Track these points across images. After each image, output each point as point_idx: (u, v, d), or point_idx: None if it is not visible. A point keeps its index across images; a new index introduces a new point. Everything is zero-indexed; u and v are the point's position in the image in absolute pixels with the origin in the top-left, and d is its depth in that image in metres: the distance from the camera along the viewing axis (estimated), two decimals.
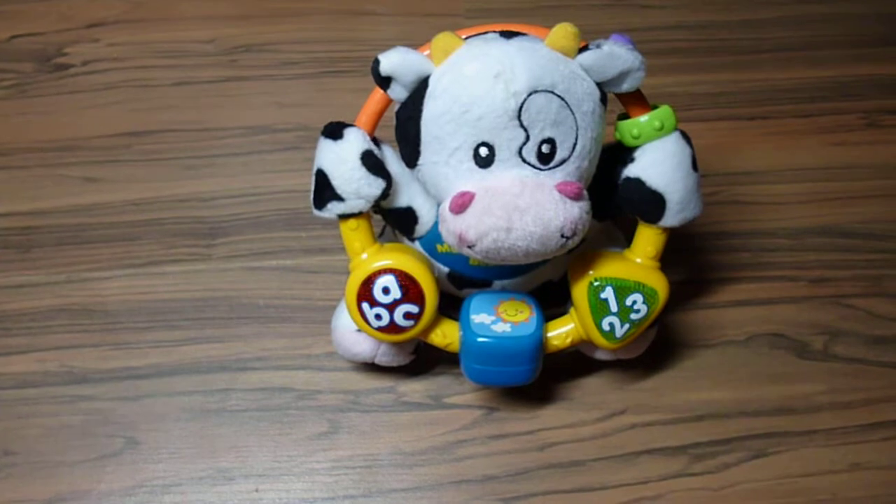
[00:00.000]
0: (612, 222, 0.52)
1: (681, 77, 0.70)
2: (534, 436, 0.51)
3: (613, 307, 0.45)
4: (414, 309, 0.45)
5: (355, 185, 0.43)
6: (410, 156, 0.42)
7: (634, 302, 0.45)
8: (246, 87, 0.69)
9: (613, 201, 0.45)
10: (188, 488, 0.49)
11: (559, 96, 0.39)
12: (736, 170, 0.64)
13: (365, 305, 0.45)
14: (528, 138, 0.39)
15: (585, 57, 0.40)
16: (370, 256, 0.45)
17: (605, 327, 0.45)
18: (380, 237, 0.49)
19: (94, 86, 0.69)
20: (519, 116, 0.39)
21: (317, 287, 0.57)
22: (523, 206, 0.39)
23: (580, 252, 0.46)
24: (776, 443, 0.51)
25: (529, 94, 0.39)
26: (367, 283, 0.44)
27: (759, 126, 0.67)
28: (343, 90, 0.69)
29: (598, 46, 0.40)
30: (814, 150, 0.66)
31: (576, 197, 0.40)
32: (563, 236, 0.39)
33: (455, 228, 0.40)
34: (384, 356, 0.50)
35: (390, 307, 0.45)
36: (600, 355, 0.50)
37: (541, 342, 0.45)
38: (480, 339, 0.45)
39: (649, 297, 0.45)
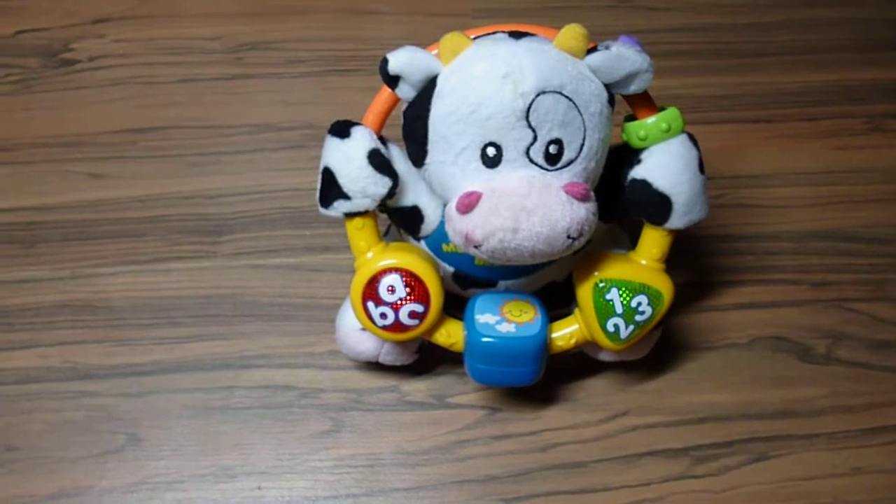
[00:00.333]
0: (618, 224, 0.52)
1: (685, 79, 0.70)
2: (536, 436, 0.51)
3: (618, 308, 0.45)
4: (419, 308, 0.45)
5: (362, 184, 0.43)
6: (417, 155, 0.42)
7: (639, 303, 0.45)
8: (252, 85, 0.69)
9: (620, 203, 0.45)
10: (190, 485, 0.49)
11: (567, 97, 0.39)
12: (740, 173, 0.64)
13: (370, 304, 0.45)
14: (535, 139, 0.39)
15: (594, 58, 0.40)
16: (375, 255, 0.45)
17: (610, 328, 0.45)
18: (385, 236, 0.49)
19: (100, 82, 0.69)
20: (527, 117, 0.39)
21: (320, 285, 0.57)
22: (530, 207, 0.39)
23: (585, 253, 0.46)
24: (778, 446, 0.51)
25: (537, 95, 0.39)
26: (373, 282, 0.44)
27: (764, 129, 0.67)
28: (349, 89, 0.69)
29: (607, 48, 0.40)
30: (818, 153, 0.66)
31: (583, 198, 0.40)
32: (569, 237, 0.39)
33: (462, 228, 0.40)
34: (388, 355, 0.50)
35: (395, 306, 0.45)
36: (604, 356, 0.50)
37: (545, 343, 0.45)
38: (485, 339, 0.45)
39: (654, 298, 0.45)
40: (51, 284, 0.57)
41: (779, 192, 0.63)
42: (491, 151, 0.40)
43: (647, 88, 0.42)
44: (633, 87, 0.41)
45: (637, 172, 0.43)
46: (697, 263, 0.59)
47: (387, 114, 0.44)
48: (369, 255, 0.45)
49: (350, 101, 0.66)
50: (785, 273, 0.58)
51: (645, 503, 0.49)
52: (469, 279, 0.49)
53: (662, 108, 0.43)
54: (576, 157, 0.41)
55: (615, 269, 0.45)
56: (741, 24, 0.75)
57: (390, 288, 0.44)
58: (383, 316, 0.45)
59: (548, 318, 0.46)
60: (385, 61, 0.40)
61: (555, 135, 0.40)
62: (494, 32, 0.42)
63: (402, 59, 0.40)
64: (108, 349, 0.54)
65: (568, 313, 0.48)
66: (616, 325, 0.45)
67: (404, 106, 0.42)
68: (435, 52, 0.41)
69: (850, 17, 0.75)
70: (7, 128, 0.66)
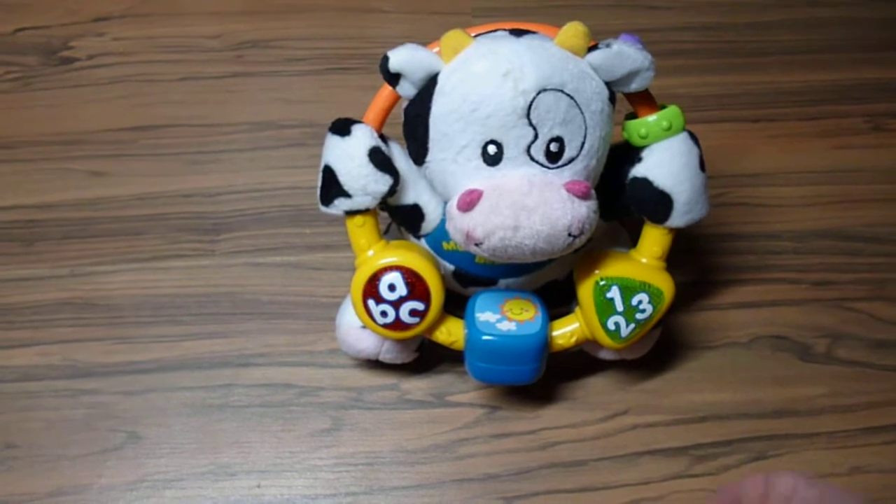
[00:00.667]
0: (619, 222, 0.52)
1: (686, 78, 0.70)
2: (536, 435, 0.51)
3: (619, 307, 0.45)
4: (419, 306, 0.45)
5: (362, 182, 0.43)
6: (418, 153, 0.42)
7: (640, 302, 0.45)
8: (251, 83, 0.69)
9: (620, 201, 0.45)
10: (189, 483, 0.49)
11: (568, 95, 0.39)
12: (741, 172, 0.64)
13: (371, 302, 0.45)
14: (536, 137, 0.39)
15: (595, 56, 0.40)
16: (376, 253, 0.45)
17: (611, 327, 0.45)
18: (385, 234, 0.49)
19: (100, 80, 0.69)
20: (528, 115, 0.39)
21: (320, 284, 0.57)
22: (531, 205, 0.39)
23: (586, 251, 0.46)
24: (777, 445, 0.51)
25: (538, 93, 0.39)
26: (373, 280, 0.44)
27: (764, 128, 0.67)
28: (349, 87, 0.69)
29: (608, 46, 0.40)
30: (818, 153, 0.66)
31: (584, 196, 0.40)
32: (570, 235, 0.39)
33: (462, 226, 0.40)
34: (388, 353, 0.50)
35: (396, 304, 0.45)
36: (604, 355, 0.50)
37: (545, 341, 0.45)
38: (485, 338, 0.45)
39: (655, 297, 0.45)
40: (51, 282, 0.57)
41: (779, 192, 0.63)
42: (492, 149, 0.40)
43: (648, 87, 0.42)
44: (634, 86, 0.41)
45: (638, 170, 0.43)
46: (698, 262, 0.59)
47: (388, 111, 0.44)
48: (370, 253, 0.45)
49: (350, 99, 0.66)
50: (785, 272, 0.58)
51: (644, 502, 0.49)
52: (470, 277, 0.48)
53: (663, 107, 0.43)
54: (577, 156, 0.40)
55: (616, 267, 0.45)
56: (742, 24, 0.75)
57: (391, 286, 0.44)
58: (384, 314, 0.45)
59: (548, 316, 0.46)
60: (386, 59, 0.40)
61: (556, 133, 0.40)
62: (496, 30, 0.42)
63: (403, 57, 0.40)
64: (107, 347, 0.54)
65: (569, 312, 0.48)
66: (616, 324, 0.45)
67: (405, 104, 0.42)
68: (436, 49, 0.41)
69: (850, 16, 0.75)
70: (7, 126, 0.66)
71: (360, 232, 0.45)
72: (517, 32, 0.41)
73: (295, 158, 0.64)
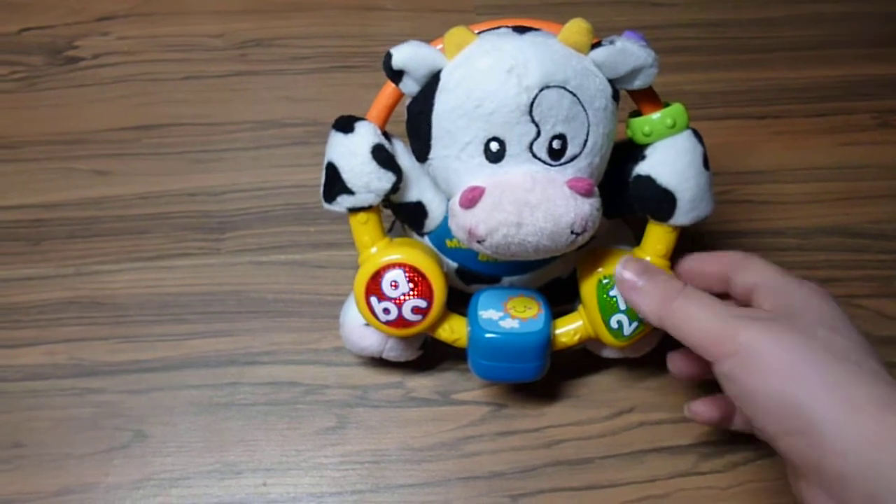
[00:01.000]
0: (622, 220, 0.51)
1: (691, 75, 0.70)
2: (542, 433, 0.51)
3: (622, 305, 0.45)
4: (422, 304, 0.45)
5: (365, 179, 0.43)
6: (421, 150, 0.42)
7: None
8: (255, 82, 0.69)
9: (624, 199, 0.44)
10: (196, 482, 0.49)
11: (571, 92, 0.39)
12: (746, 169, 0.64)
13: (373, 299, 0.45)
14: (539, 134, 0.39)
15: (598, 53, 0.40)
16: (379, 250, 0.45)
17: (614, 325, 0.45)
18: (390, 232, 0.49)
19: (104, 79, 0.69)
20: (530, 111, 0.39)
21: (325, 282, 0.57)
22: (534, 202, 0.39)
23: (589, 249, 0.46)
24: None
25: (541, 90, 0.39)
26: (376, 277, 0.44)
27: (770, 125, 0.67)
28: (353, 85, 0.69)
29: (611, 43, 0.40)
30: (825, 149, 0.65)
31: (587, 193, 0.40)
32: (573, 233, 0.39)
33: (465, 223, 0.40)
34: (392, 351, 0.50)
35: (398, 301, 0.45)
36: (608, 353, 0.50)
37: (548, 339, 0.45)
38: (488, 335, 0.45)
39: None
40: (56, 281, 0.57)
41: (785, 189, 0.63)
42: (494, 146, 0.40)
43: (652, 84, 0.42)
44: (638, 83, 0.41)
45: (641, 168, 0.43)
46: None
47: (391, 109, 0.44)
48: (373, 250, 0.45)
49: (354, 97, 0.66)
50: (791, 269, 0.58)
51: (651, 499, 0.49)
52: (473, 275, 0.48)
53: (667, 104, 0.43)
54: (580, 153, 0.40)
55: None
56: (746, 20, 0.75)
57: (393, 283, 0.44)
58: (386, 311, 0.45)
59: (551, 314, 0.46)
60: (389, 56, 0.40)
61: (558, 130, 0.40)
62: (499, 27, 0.42)
63: (406, 54, 0.40)
64: (113, 346, 0.54)
65: (572, 310, 0.48)
66: (619, 322, 0.45)
67: (408, 101, 0.42)
68: (439, 46, 0.41)
69: (856, 11, 0.75)
70: (11, 125, 0.66)
71: (364, 229, 0.45)
72: (520, 29, 0.41)
73: (299, 157, 0.64)
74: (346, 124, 0.44)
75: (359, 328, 0.49)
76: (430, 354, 0.52)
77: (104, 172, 0.63)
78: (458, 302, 0.48)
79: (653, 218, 0.45)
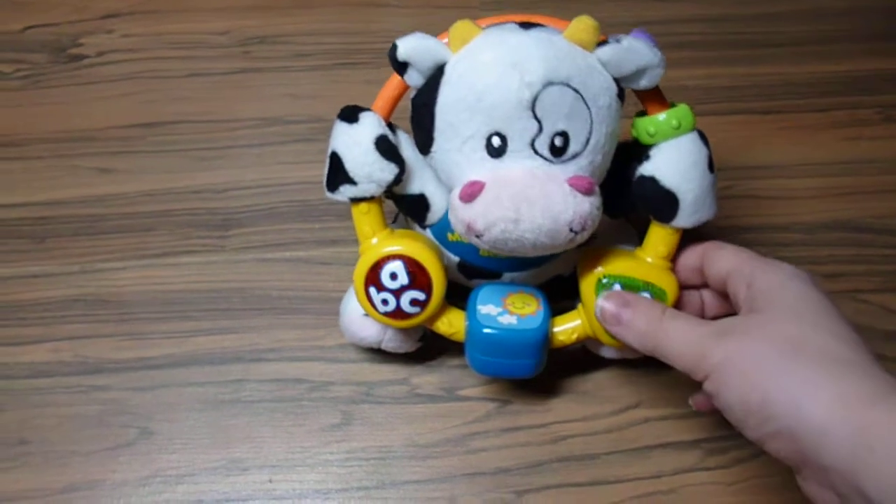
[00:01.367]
0: (626, 220, 0.51)
1: (695, 70, 0.70)
2: (547, 429, 0.51)
3: None
4: (420, 296, 0.45)
5: (368, 170, 0.43)
6: (424, 142, 0.42)
7: None
8: (259, 79, 0.69)
9: (627, 198, 0.44)
10: (202, 478, 0.49)
11: (574, 89, 0.39)
12: (750, 164, 0.64)
13: (372, 290, 0.45)
14: (540, 130, 0.39)
15: (604, 51, 0.39)
16: (380, 241, 0.45)
17: None
18: (393, 224, 0.49)
19: (109, 77, 0.69)
20: (533, 107, 0.39)
21: (329, 278, 0.57)
22: (533, 198, 0.38)
23: (590, 248, 0.46)
24: None
25: (544, 86, 0.38)
26: (376, 268, 0.44)
27: (774, 120, 0.67)
28: (356, 82, 0.69)
29: (618, 41, 0.39)
30: (829, 144, 0.65)
31: (587, 192, 0.39)
32: (571, 230, 0.39)
33: (464, 217, 0.40)
34: (390, 342, 0.50)
35: (397, 293, 0.45)
36: (606, 353, 0.50)
37: (546, 337, 0.45)
38: (486, 330, 0.45)
39: (658, 296, 0.44)
40: (61, 279, 0.57)
41: (789, 184, 0.63)
42: (496, 141, 0.39)
43: (658, 84, 0.41)
44: (644, 82, 0.40)
45: (645, 169, 0.43)
46: None
47: (396, 100, 0.44)
48: (374, 240, 0.45)
49: (358, 94, 0.65)
50: (795, 264, 0.58)
51: (657, 495, 0.49)
52: (474, 269, 0.48)
53: (674, 105, 0.43)
54: (581, 151, 0.40)
55: (619, 264, 0.45)
56: (750, 15, 0.75)
57: (393, 274, 0.44)
58: (385, 302, 0.45)
59: (550, 311, 0.46)
60: (394, 47, 0.40)
61: (560, 127, 0.39)
62: (505, 22, 0.42)
63: (412, 46, 0.40)
64: (118, 343, 0.54)
65: (573, 307, 0.48)
66: None
67: (413, 94, 0.42)
68: (444, 39, 0.41)
69: (860, 6, 0.75)
70: (16, 123, 0.66)
71: (365, 219, 0.45)
72: (526, 25, 0.41)
73: (303, 154, 0.64)
74: (350, 114, 0.44)
75: (358, 318, 0.49)
76: (434, 351, 0.52)
77: (109, 170, 0.63)
78: (459, 295, 0.48)
79: (655, 219, 0.44)
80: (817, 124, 0.67)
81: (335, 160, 0.44)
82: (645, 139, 0.43)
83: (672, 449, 0.50)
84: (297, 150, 0.64)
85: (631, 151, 0.44)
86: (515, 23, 0.41)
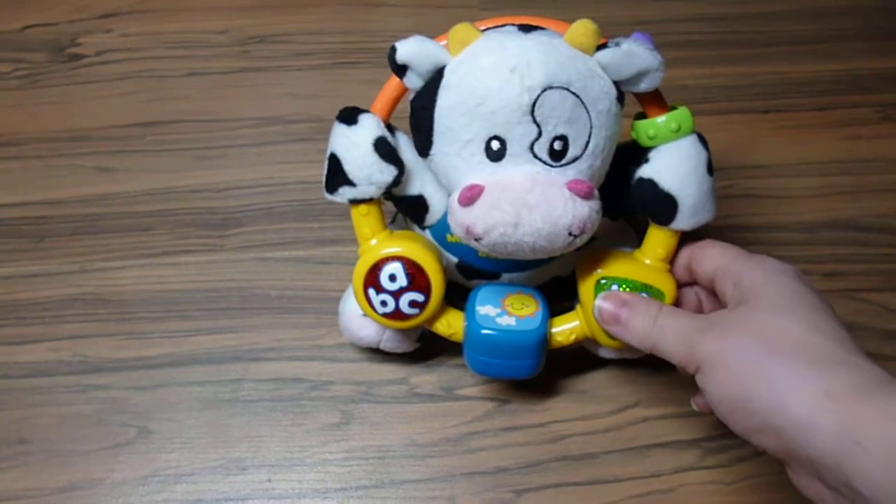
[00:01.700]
0: (626, 222, 0.51)
1: (694, 70, 0.70)
2: (546, 428, 0.51)
3: None
4: (419, 297, 0.45)
5: (367, 171, 0.43)
6: (423, 145, 0.42)
7: None
8: (259, 78, 0.69)
9: (626, 200, 0.44)
10: (201, 478, 0.49)
11: (574, 94, 0.39)
12: (750, 163, 0.64)
13: (371, 291, 0.45)
14: (540, 134, 0.39)
15: (604, 55, 0.39)
16: (379, 243, 0.45)
17: None
18: (391, 224, 0.49)
19: (108, 76, 0.69)
20: (532, 112, 0.39)
21: (329, 278, 0.57)
22: (532, 203, 0.38)
23: (590, 250, 0.46)
24: None
25: (544, 90, 0.38)
26: (375, 270, 0.44)
27: (774, 119, 0.67)
28: (356, 81, 0.69)
29: (618, 44, 0.39)
30: (828, 143, 0.65)
31: (586, 196, 0.39)
32: (570, 234, 0.39)
33: (463, 220, 0.40)
34: (389, 342, 0.50)
35: (396, 294, 0.45)
36: (605, 353, 0.50)
37: (544, 338, 0.45)
38: (484, 331, 0.45)
39: (656, 298, 0.44)
40: (60, 278, 0.57)
41: (788, 183, 0.63)
42: (495, 145, 0.39)
43: (658, 87, 0.41)
44: (644, 86, 0.40)
45: (644, 171, 0.43)
46: None
47: (395, 102, 0.44)
48: (373, 242, 0.45)
49: (357, 93, 0.66)
50: (795, 263, 0.57)
51: (655, 494, 0.49)
52: (473, 270, 0.48)
53: (673, 107, 0.43)
54: (581, 155, 0.40)
55: (618, 266, 0.45)
56: (749, 14, 0.74)
57: (391, 276, 0.44)
58: (384, 303, 0.45)
59: (549, 312, 0.46)
60: (393, 49, 0.40)
61: (560, 131, 0.39)
62: (504, 25, 0.42)
63: (411, 49, 0.40)
64: (118, 342, 0.54)
65: (571, 308, 0.48)
66: None
67: (413, 95, 0.42)
68: (444, 42, 0.40)
69: (859, 5, 0.75)
70: (15, 122, 0.66)
71: (364, 221, 0.45)
72: (526, 28, 0.41)
73: (302, 153, 0.64)
74: (349, 116, 0.44)
75: (357, 318, 0.49)
76: (433, 350, 0.52)
77: (108, 169, 0.63)
78: (458, 296, 0.48)
79: (654, 221, 0.44)
80: (816, 123, 0.67)
81: (334, 162, 0.44)
82: (644, 142, 0.43)
83: (671, 448, 0.50)
84: (297, 150, 0.64)
85: (630, 153, 0.44)
86: (515, 26, 0.41)
